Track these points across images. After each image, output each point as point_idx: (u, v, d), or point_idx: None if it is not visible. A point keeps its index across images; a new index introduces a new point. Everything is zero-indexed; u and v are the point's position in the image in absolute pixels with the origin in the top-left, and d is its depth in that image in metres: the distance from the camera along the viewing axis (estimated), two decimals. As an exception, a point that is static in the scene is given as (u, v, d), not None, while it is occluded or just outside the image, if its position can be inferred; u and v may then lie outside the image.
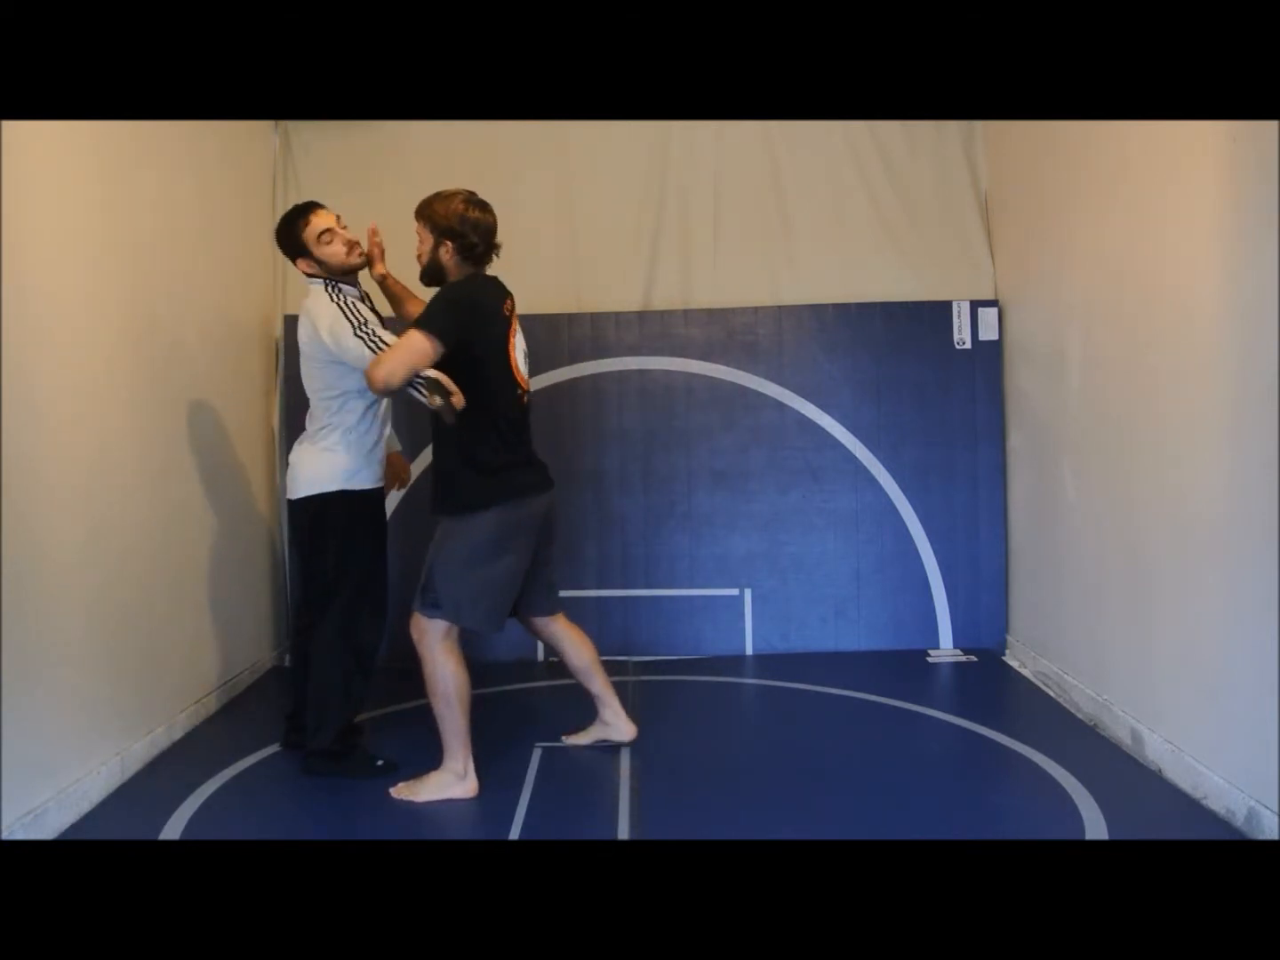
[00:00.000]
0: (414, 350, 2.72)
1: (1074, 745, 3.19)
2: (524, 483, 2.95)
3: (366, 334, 2.91)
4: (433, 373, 2.73)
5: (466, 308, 2.85)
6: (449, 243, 2.88)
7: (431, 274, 2.95)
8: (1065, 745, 3.16)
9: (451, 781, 2.89)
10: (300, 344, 3.04)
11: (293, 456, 3.12)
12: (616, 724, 3.24)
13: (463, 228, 2.87)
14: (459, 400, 2.74)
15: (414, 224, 2.93)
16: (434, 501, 2.97)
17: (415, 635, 2.90)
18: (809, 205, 4.51)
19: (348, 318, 2.94)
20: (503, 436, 2.90)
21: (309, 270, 3.07)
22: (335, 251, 3.04)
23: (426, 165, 4.48)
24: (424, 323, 2.76)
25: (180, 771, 3.11)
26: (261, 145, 4.45)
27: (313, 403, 3.09)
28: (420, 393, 2.76)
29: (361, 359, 2.88)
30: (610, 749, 3.23)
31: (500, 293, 2.96)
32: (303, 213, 3.07)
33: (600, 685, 3.21)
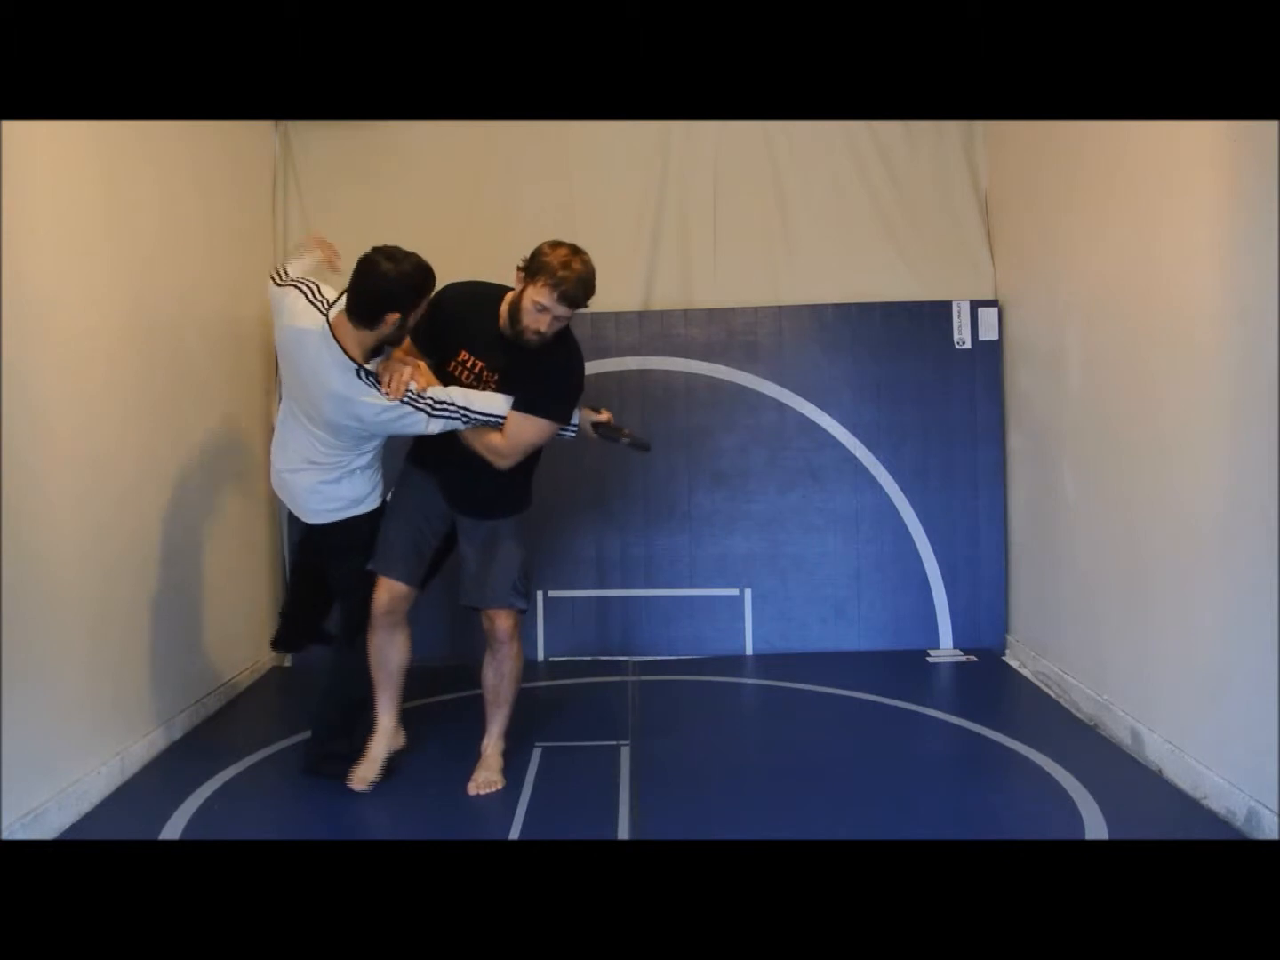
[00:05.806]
0: (537, 442, 2.84)
1: (1074, 745, 3.19)
2: None
3: (427, 406, 2.76)
4: (599, 419, 2.98)
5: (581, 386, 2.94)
6: None
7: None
8: (1065, 745, 3.16)
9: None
10: (345, 418, 2.78)
11: (302, 486, 2.92)
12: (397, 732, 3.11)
13: None
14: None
15: (553, 306, 2.67)
16: (491, 508, 2.96)
17: (509, 628, 2.95)
18: (809, 205, 4.51)
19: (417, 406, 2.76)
20: None
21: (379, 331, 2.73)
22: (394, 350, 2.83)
23: (426, 165, 4.50)
24: (557, 414, 2.81)
25: (180, 771, 3.12)
26: (261, 145, 4.45)
27: (320, 445, 2.87)
28: (566, 434, 2.93)
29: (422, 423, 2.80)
30: (610, 748, 3.23)
31: None
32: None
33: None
